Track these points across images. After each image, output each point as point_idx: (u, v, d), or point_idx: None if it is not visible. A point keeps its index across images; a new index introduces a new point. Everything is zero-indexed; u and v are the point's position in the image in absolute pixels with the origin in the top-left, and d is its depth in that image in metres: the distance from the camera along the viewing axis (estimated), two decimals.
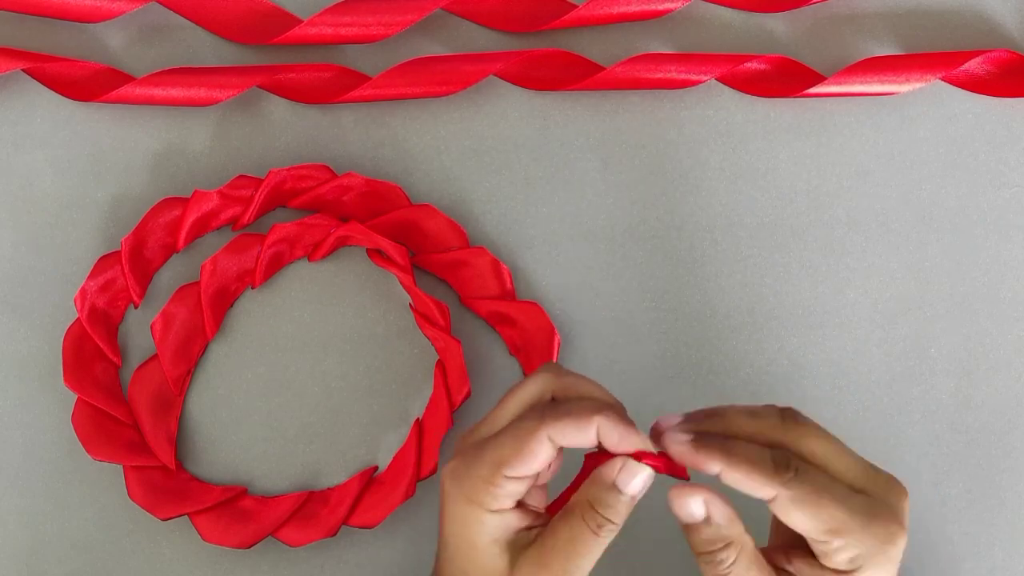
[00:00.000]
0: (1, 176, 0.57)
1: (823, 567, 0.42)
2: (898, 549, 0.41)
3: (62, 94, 0.56)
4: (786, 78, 0.57)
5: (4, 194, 0.57)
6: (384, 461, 0.56)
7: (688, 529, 0.42)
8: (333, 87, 0.57)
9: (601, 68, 0.56)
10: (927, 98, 0.58)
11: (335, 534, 0.54)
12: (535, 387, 0.43)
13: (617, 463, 0.41)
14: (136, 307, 0.56)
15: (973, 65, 0.57)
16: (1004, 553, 0.56)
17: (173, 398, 0.56)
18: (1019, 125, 0.58)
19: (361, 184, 0.56)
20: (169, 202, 0.56)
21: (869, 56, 0.57)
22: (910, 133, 0.58)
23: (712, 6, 0.58)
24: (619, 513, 0.42)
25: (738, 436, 0.42)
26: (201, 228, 0.56)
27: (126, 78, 0.56)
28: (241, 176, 0.56)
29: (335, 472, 0.56)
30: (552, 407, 0.42)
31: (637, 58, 0.56)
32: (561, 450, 0.43)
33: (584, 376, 0.44)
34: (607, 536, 0.42)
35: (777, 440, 0.42)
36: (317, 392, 0.56)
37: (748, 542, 0.42)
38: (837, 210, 0.57)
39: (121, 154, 0.57)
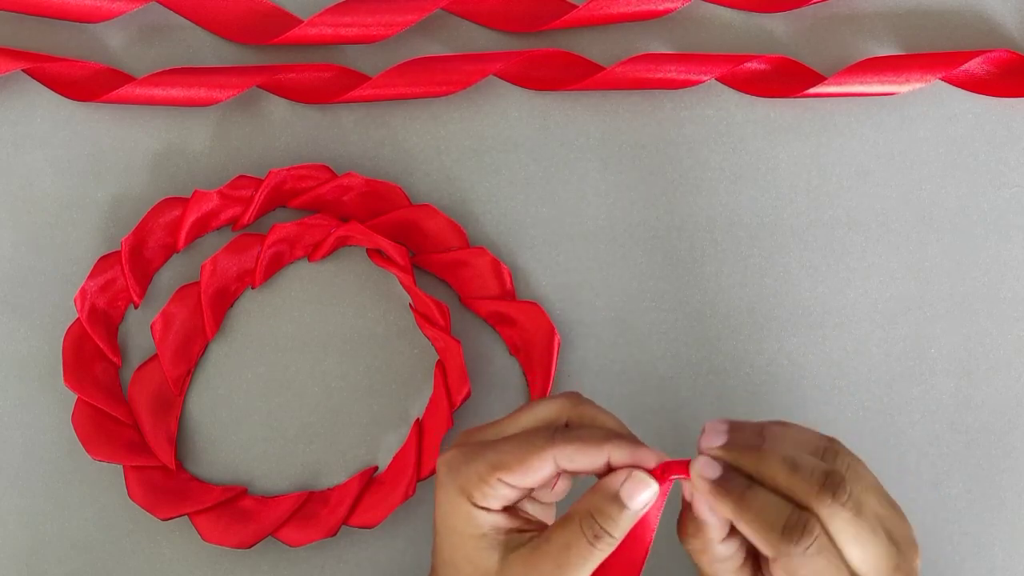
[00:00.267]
0: (1, 176, 0.57)
1: None
2: None
3: (62, 94, 0.56)
4: (786, 78, 0.57)
5: (4, 194, 0.57)
6: (384, 461, 0.56)
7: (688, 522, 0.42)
8: (333, 87, 0.57)
9: (601, 68, 0.56)
10: (927, 98, 0.58)
11: (335, 534, 0.54)
12: (552, 408, 0.43)
13: (622, 473, 0.41)
14: (136, 307, 0.56)
15: (973, 65, 0.57)
16: (1004, 553, 0.56)
17: (173, 398, 0.56)
18: (1019, 125, 0.58)
19: (361, 184, 0.56)
20: (169, 202, 0.56)
21: (869, 56, 0.57)
22: (910, 133, 0.58)
23: (712, 6, 0.58)
24: (619, 527, 0.41)
25: (767, 482, 0.40)
26: (201, 228, 0.56)
27: (126, 78, 0.56)
28: (241, 176, 0.56)
29: (335, 472, 0.56)
30: (564, 431, 0.42)
31: (637, 58, 0.56)
32: (570, 476, 0.43)
33: (603, 408, 0.43)
34: (603, 548, 0.41)
35: (806, 504, 0.40)
36: (317, 392, 0.56)
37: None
38: (837, 210, 0.57)
39: (121, 154, 0.57)
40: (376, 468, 0.56)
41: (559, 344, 0.55)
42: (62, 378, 0.55)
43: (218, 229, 0.57)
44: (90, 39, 0.57)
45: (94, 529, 0.56)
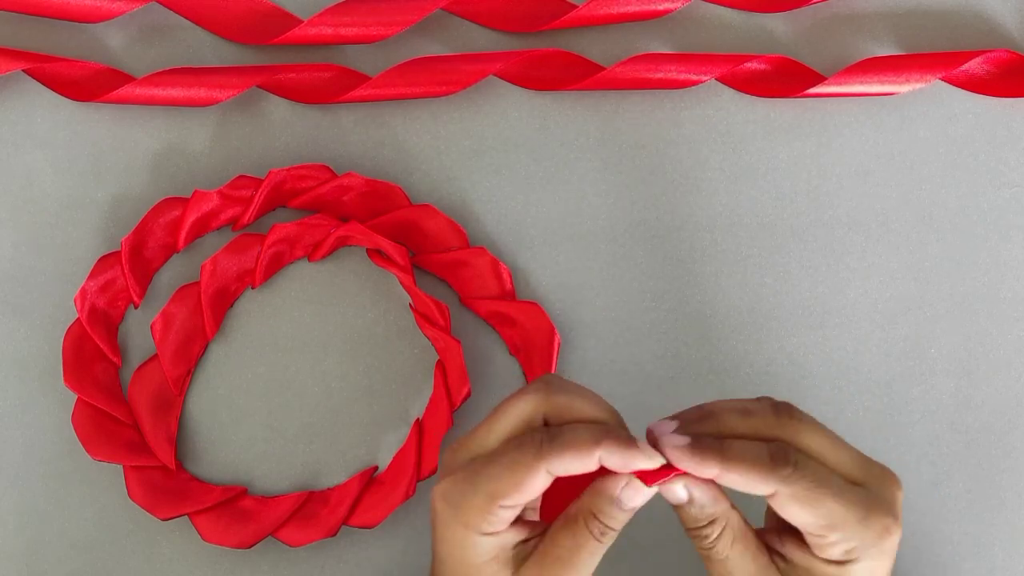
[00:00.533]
0: (1, 176, 0.57)
1: (816, 556, 0.42)
2: (893, 542, 0.42)
3: (62, 94, 0.56)
4: (786, 78, 0.57)
5: (4, 194, 0.57)
6: (384, 461, 0.56)
7: (677, 509, 0.42)
8: (333, 87, 0.57)
9: (601, 68, 0.56)
10: (927, 98, 0.58)
11: (335, 534, 0.54)
12: (527, 407, 0.42)
13: (621, 481, 0.41)
14: (136, 307, 0.56)
15: (973, 65, 0.57)
16: (1004, 553, 0.56)
17: (173, 398, 0.56)
18: (1019, 125, 0.58)
19: (361, 184, 0.56)
20: (169, 202, 0.56)
21: (869, 56, 0.57)
22: (910, 133, 0.58)
23: (712, 6, 0.58)
24: (620, 522, 0.42)
25: (733, 435, 0.41)
26: (201, 228, 0.56)
27: (126, 78, 0.56)
28: (241, 176, 0.56)
29: (335, 472, 0.56)
30: (550, 439, 0.41)
31: (637, 58, 0.56)
32: None
33: (576, 389, 0.43)
34: (609, 541, 0.42)
35: (773, 435, 0.41)
36: (317, 392, 0.56)
37: (734, 518, 0.42)
38: (837, 210, 0.57)
39: (121, 154, 0.57)
40: (376, 468, 0.56)
41: (559, 344, 0.55)
42: (62, 378, 0.55)
43: (218, 229, 0.57)
44: (90, 39, 0.57)
45: (94, 529, 0.56)
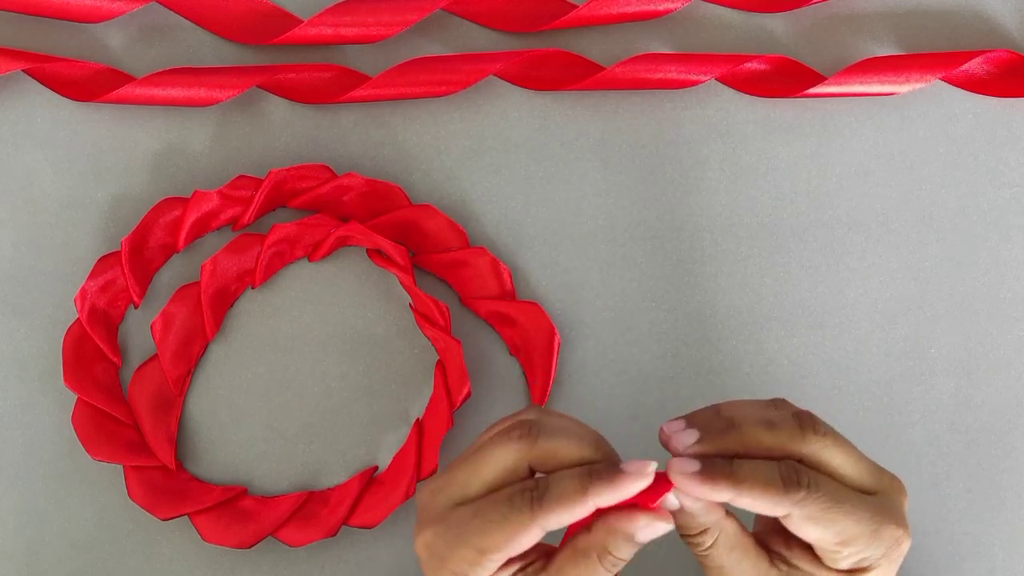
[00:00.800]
0: (1, 176, 0.57)
1: (826, 567, 0.42)
2: (902, 551, 0.42)
3: (62, 94, 0.56)
4: (786, 78, 0.57)
5: (4, 194, 0.57)
6: (384, 461, 0.56)
7: (672, 516, 0.42)
8: (333, 87, 0.57)
9: (601, 68, 0.56)
10: (927, 98, 0.58)
11: (335, 534, 0.54)
12: (510, 455, 0.41)
13: (640, 521, 0.40)
14: (136, 307, 0.56)
15: (973, 65, 0.57)
16: (1004, 553, 0.56)
17: (173, 398, 0.56)
18: (1019, 125, 0.58)
19: (361, 184, 0.56)
20: (169, 202, 0.56)
21: (869, 56, 0.57)
22: (910, 133, 0.58)
23: (712, 6, 0.58)
24: (630, 555, 0.41)
25: (754, 450, 0.41)
26: (201, 228, 0.56)
27: (126, 78, 0.56)
28: (241, 176, 0.56)
29: (335, 472, 0.56)
30: (540, 496, 0.40)
31: (637, 58, 0.56)
32: None
33: (560, 429, 0.41)
34: (616, 570, 0.42)
35: (794, 452, 0.41)
36: (317, 392, 0.56)
37: (729, 526, 0.42)
38: (837, 210, 0.57)
39: (121, 154, 0.57)
40: (376, 468, 0.56)
41: (559, 344, 0.55)
42: (62, 378, 0.55)
43: (218, 229, 0.57)
44: (90, 39, 0.57)
45: (94, 529, 0.56)
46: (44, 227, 0.57)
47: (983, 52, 0.57)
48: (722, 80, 0.57)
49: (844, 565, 0.41)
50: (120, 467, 0.55)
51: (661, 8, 0.57)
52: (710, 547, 0.42)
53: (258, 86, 0.56)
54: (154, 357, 0.56)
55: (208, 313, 0.55)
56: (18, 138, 0.57)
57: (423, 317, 0.55)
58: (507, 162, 0.57)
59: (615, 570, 0.41)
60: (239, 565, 0.55)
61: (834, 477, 0.41)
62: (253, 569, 0.55)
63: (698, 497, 0.40)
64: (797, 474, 0.40)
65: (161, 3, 0.56)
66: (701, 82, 0.57)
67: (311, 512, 0.55)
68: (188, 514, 0.54)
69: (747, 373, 0.56)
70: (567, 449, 0.41)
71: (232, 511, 0.55)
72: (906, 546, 0.42)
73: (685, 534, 0.42)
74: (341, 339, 0.56)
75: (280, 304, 0.57)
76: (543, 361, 0.55)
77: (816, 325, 0.57)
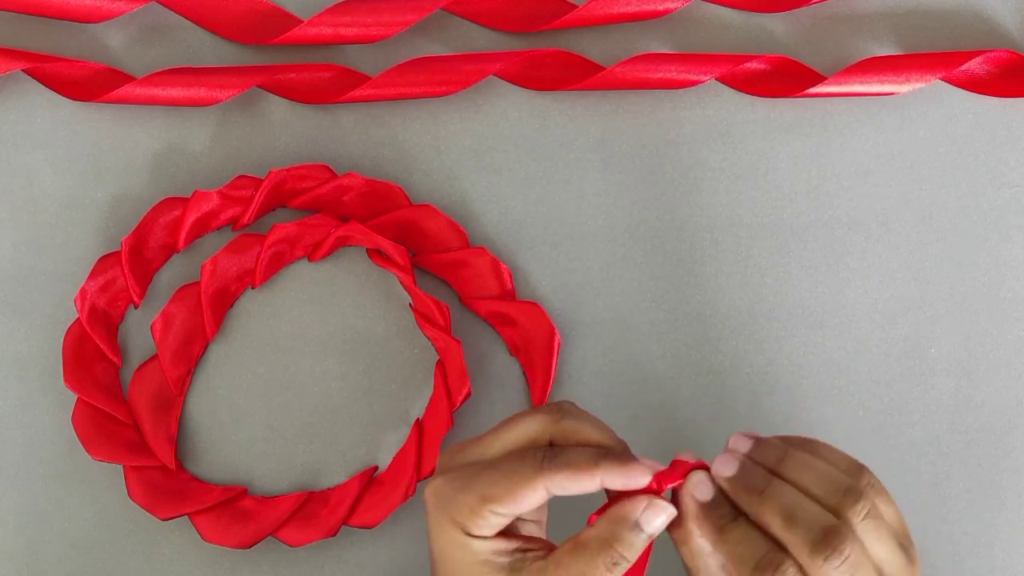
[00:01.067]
0: (1, 176, 0.57)
1: None
2: None
3: (62, 94, 0.56)
4: (786, 78, 0.57)
5: (4, 194, 0.57)
6: (384, 461, 0.56)
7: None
8: (333, 87, 0.57)
9: (601, 68, 0.56)
10: (927, 98, 0.58)
11: (335, 534, 0.54)
12: (534, 425, 0.42)
13: (642, 501, 0.41)
14: (136, 307, 0.56)
15: (973, 65, 0.57)
16: (1004, 553, 0.56)
17: (173, 398, 0.56)
18: (1019, 125, 0.58)
19: (361, 184, 0.56)
20: (169, 202, 0.56)
21: (869, 56, 0.57)
22: (910, 133, 0.58)
23: (712, 6, 0.58)
24: (635, 550, 0.41)
25: (796, 485, 0.40)
26: (201, 228, 0.56)
27: (126, 78, 0.56)
28: (241, 176, 0.56)
29: (335, 472, 0.56)
30: (552, 457, 0.41)
31: (637, 58, 0.56)
32: None
33: (587, 417, 0.43)
34: (619, 572, 0.41)
35: (831, 507, 0.40)
36: (317, 392, 0.56)
37: None
38: (837, 210, 0.57)
39: (121, 154, 0.57)
40: (376, 468, 0.56)
41: (559, 344, 0.55)
42: (62, 378, 0.55)
43: (218, 229, 0.57)
44: (90, 39, 0.57)
45: (94, 529, 0.56)
46: (44, 227, 0.57)
47: (983, 52, 0.57)
48: (722, 80, 0.57)
49: None
50: (120, 467, 0.55)
51: (661, 8, 0.57)
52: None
53: (258, 86, 0.56)
54: (154, 357, 0.56)
55: (208, 313, 0.55)
56: (18, 138, 0.57)
57: (423, 317, 0.55)
58: (507, 162, 0.57)
59: (617, 569, 0.41)
60: (239, 565, 0.55)
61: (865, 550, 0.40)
62: (253, 569, 0.55)
63: (689, 497, 0.41)
64: (775, 569, 0.39)
65: (161, 3, 0.56)
66: (701, 82, 0.57)
67: (311, 512, 0.55)
68: (188, 514, 0.54)
69: (747, 373, 0.56)
70: (589, 431, 0.42)
71: (232, 511, 0.55)
72: None
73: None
74: (341, 339, 0.56)
75: (280, 304, 0.57)
76: (543, 361, 0.55)
77: (816, 325, 0.57)
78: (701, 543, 0.42)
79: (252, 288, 0.57)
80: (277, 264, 0.56)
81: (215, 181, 0.57)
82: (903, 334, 0.57)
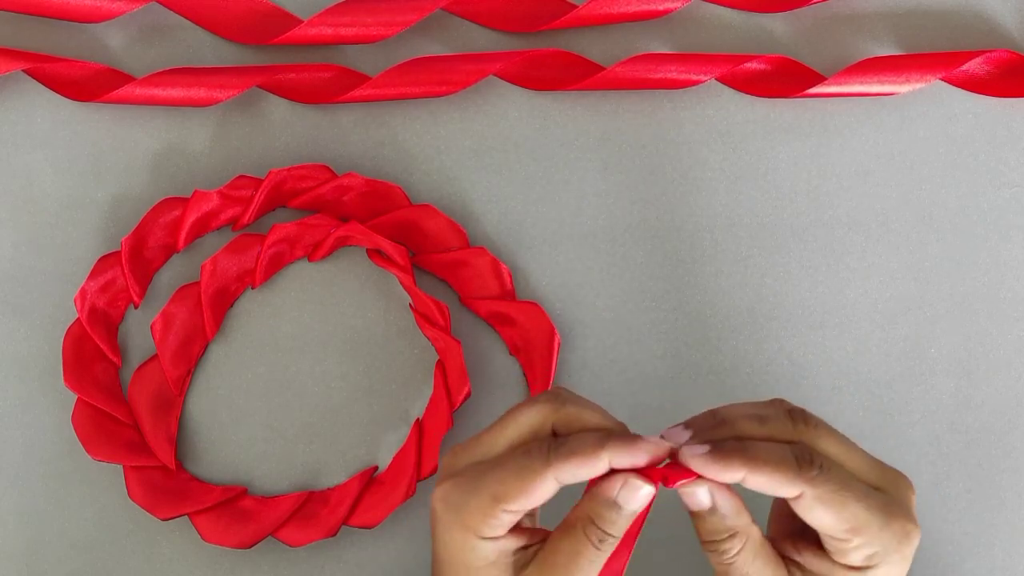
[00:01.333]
0: (1, 176, 0.57)
1: (835, 563, 0.42)
2: (913, 547, 0.41)
3: (62, 94, 0.56)
4: (786, 78, 0.57)
5: (4, 194, 0.57)
6: (384, 461, 0.56)
7: (695, 518, 0.42)
8: (333, 87, 0.57)
9: (601, 68, 0.56)
10: (927, 98, 0.58)
11: (335, 534, 0.54)
12: (535, 415, 0.42)
13: (617, 481, 0.41)
14: (136, 307, 0.56)
15: (973, 65, 0.57)
16: (1004, 553, 0.56)
17: (173, 398, 0.56)
18: (1019, 125, 0.58)
19: (361, 184, 0.56)
20: (169, 202, 0.56)
21: (869, 56, 0.57)
22: (910, 133, 0.58)
23: (712, 6, 0.58)
24: (620, 527, 0.41)
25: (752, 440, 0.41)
26: (201, 228, 0.56)
27: (126, 78, 0.56)
28: (241, 176, 0.56)
29: (335, 472, 0.56)
30: (557, 447, 0.41)
31: (637, 58, 0.56)
32: None
33: (584, 401, 0.43)
34: (607, 548, 0.41)
35: (790, 440, 0.41)
36: (317, 392, 0.56)
37: (755, 532, 0.42)
38: (837, 210, 0.57)
39: (121, 154, 0.57)
40: (376, 468, 0.56)
41: (559, 344, 0.55)
42: (62, 378, 0.55)
43: (218, 229, 0.57)
44: (90, 39, 0.57)
45: (94, 529, 0.56)
46: (44, 227, 0.57)
47: (983, 52, 0.57)
48: (722, 80, 0.57)
49: (855, 559, 0.41)
50: (120, 467, 0.55)
51: (661, 8, 0.57)
52: (736, 554, 0.41)
53: (258, 86, 0.56)
54: (154, 357, 0.56)
55: (208, 313, 0.55)
56: (18, 138, 0.57)
57: (423, 317, 0.55)
58: (507, 162, 0.57)
59: (604, 547, 0.41)
60: (239, 565, 0.55)
61: (840, 466, 0.41)
62: (253, 569, 0.55)
63: (712, 478, 0.40)
64: (810, 454, 0.40)
65: (161, 3, 0.56)
66: (701, 82, 0.57)
67: (311, 512, 0.55)
68: (188, 514, 0.54)
69: (747, 373, 0.56)
70: (591, 416, 0.42)
71: (232, 511, 0.55)
72: (916, 541, 0.41)
73: (711, 540, 0.42)
74: (341, 339, 0.56)
75: (280, 304, 0.57)
76: (543, 361, 0.55)
77: (816, 325, 0.57)
78: (754, 570, 0.42)
79: (252, 288, 0.57)
80: (277, 264, 0.56)
81: (215, 181, 0.57)
82: (903, 334, 0.57)
